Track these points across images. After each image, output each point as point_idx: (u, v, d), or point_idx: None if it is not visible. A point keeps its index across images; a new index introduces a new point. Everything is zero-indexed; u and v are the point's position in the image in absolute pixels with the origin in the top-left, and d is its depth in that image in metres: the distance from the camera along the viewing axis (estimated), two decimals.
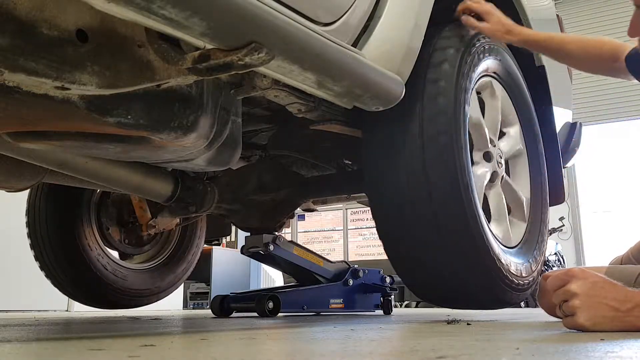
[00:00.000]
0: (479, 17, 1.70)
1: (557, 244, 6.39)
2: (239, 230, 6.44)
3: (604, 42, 1.75)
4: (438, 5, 1.54)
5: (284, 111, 1.52)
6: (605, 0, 7.83)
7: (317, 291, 2.44)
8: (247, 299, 2.37)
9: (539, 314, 2.13)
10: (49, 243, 2.34)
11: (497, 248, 1.62)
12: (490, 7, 1.71)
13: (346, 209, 9.00)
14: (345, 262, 2.72)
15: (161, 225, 2.35)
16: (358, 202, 2.80)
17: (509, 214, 1.86)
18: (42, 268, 2.41)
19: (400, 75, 1.41)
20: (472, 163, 1.67)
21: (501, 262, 1.61)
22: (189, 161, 1.36)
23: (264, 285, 7.61)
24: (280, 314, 2.21)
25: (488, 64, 1.78)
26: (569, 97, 2.58)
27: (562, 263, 6.27)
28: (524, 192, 1.94)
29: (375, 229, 1.67)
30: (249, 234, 2.33)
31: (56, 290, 2.49)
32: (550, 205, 2.08)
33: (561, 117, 2.39)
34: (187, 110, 1.16)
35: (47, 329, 1.57)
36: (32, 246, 2.38)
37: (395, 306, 5.51)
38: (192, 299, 6.60)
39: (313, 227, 9.38)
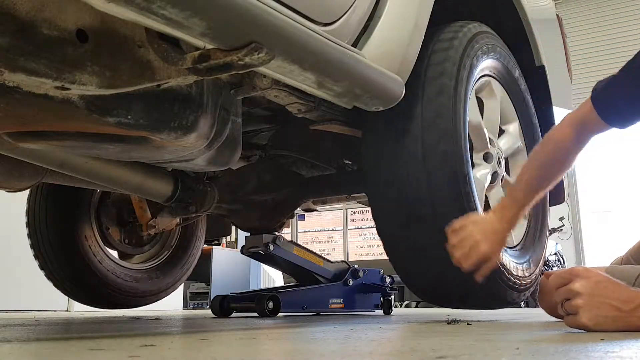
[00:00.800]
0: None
1: (557, 244, 6.39)
2: (239, 230, 6.44)
3: (566, 126, 1.41)
4: (438, 5, 1.55)
5: (284, 111, 1.52)
6: (605, 0, 7.83)
7: (317, 291, 2.44)
8: (247, 299, 2.37)
9: (539, 314, 2.13)
10: (49, 243, 2.33)
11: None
12: (476, 247, 1.37)
13: (346, 209, 9.00)
14: (345, 262, 2.72)
15: (161, 225, 2.35)
16: (358, 202, 2.80)
17: None
18: (42, 268, 2.40)
19: (400, 75, 1.41)
20: (473, 166, 1.67)
21: (501, 261, 1.61)
22: (189, 161, 1.36)
23: (264, 285, 7.61)
24: (280, 314, 2.21)
25: (487, 63, 1.78)
26: (569, 97, 2.58)
27: (562, 263, 6.27)
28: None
29: (375, 229, 1.67)
30: (249, 234, 2.33)
31: (56, 290, 2.49)
32: (550, 205, 2.08)
33: (561, 117, 2.38)
34: (187, 110, 1.16)
35: (47, 329, 1.57)
36: (32, 246, 2.38)
37: (395, 306, 5.52)
38: (192, 299, 6.61)
39: (313, 227, 9.39)
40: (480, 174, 1.70)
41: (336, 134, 1.72)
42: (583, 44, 6.93)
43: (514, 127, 1.95)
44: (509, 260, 1.68)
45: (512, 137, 1.94)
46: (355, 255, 8.85)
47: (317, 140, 2.03)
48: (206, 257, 6.45)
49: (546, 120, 2.18)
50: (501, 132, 1.92)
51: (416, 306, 6.00)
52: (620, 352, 0.74)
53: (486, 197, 1.77)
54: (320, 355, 0.76)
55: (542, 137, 2.06)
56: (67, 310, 4.28)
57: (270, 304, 2.15)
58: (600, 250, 7.21)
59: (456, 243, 1.39)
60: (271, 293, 2.21)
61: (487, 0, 2.00)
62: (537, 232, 1.94)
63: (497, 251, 1.41)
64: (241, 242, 2.65)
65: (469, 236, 1.39)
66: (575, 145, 1.38)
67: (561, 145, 1.39)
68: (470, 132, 1.66)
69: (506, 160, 1.91)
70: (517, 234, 1.87)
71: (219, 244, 7.11)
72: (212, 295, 4.74)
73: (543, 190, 1.47)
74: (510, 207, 1.43)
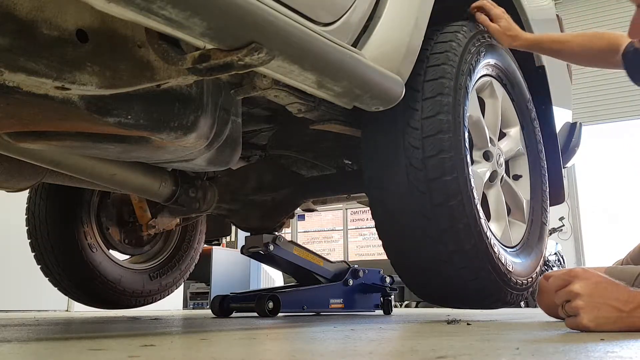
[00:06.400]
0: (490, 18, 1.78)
1: (557, 244, 6.39)
2: (239, 230, 6.45)
3: (602, 37, 1.78)
4: (438, 5, 1.55)
5: (284, 111, 1.52)
6: (605, 0, 7.84)
7: (317, 291, 2.43)
8: (247, 299, 2.36)
9: (539, 314, 2.13)
10: (49, 243, 2.33)
11: (497, 247, 1.62)
12: (501, 11, 1.78)
13: (346, 209, 9.01)
14: (345, 262, 2.71)
15: (161, 226, 2.35)
16: (358, 202, 2.80)
17: (508, 214, 1.86)
18: (42, 268, 2.41)
19: (400, 75, 1.41)
20: (472, 162, 1.67)
21: (501, 261, 1.61)
22: (189, 161, 1.36)
23: (264, 285, 7.60)
24: (280, 314, 2.21)
25: (488, 63, 1.78)
26: (569, 97, 2.58)
27: (562, 263, 6.27)
28: (524, 192, 1.94)
29: (375, 228, 1.67)
30: (249, 234, 2.33)
31: (56, 290, 2.49)
32: (550, 205, 2.08)
33: (561, 117, 2.39)
34: (187, 111, 1.17)
35: (47, 329, 1.57)
36: (32, 246, 2.38)
37: (395, 306, 5.51)
38: (192, 299, 6.60)
39: (313, 227, 9.39)
40: (479, 171, 1.71)
41: (336, 134, 1.72)
42: None
43: (514, 131, 1.96)
44: (509, 259, 1.68)
45: (512, 140, 1.94)
46: (355, 255, 8.85)
47: (317, 140, 2.03)
48: (206, 257, 6.44)
49: (546, 120, 2.18)
50: (502, 135, 1.92)
51: (416, 306, 6.00)
52: (620, 352, 0.74)
53: (485, 197, 1.77)
54: (320, 355, 0.76)
55: (542, 137, 2.07)
56: (67, 310, 4.28)
57: (270, 304, 2.15)
58: (600, 250, 7.21)
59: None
60: (271, 293, 2.21)
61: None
62: (536, 231, 1.94)
63: (504, 20, 1.77)
64: (241, 242, 2.65)
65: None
66: (608, 55, 1.72)
67: (603, 45, 1.73)
68: (470, 128, 1.66)
69: (506, 163, 1.91)
70: (516, 234, 1.87)
71: (219, 244, 7.11)
72: (212, 295, 4.74)
73: (545, 52, 1.90)
74: (528, 34, 1.83)
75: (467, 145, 1.57)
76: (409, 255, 1.62)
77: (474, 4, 1.78)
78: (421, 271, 1.63)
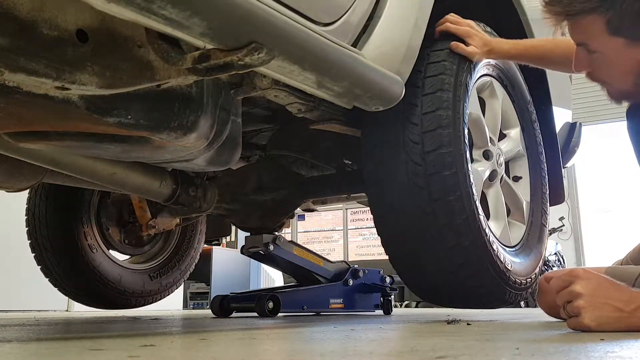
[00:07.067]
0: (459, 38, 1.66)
1: (557, 244, 6.40)
2: (239, 230, 6.44)
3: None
4: (438, 5, 1.55)
5: (284, 111, 1.52)
6: None
7: (317, 291, 2.43)
8: (247, 299, 2.36)
9: (539, 314, 2.13)
10: (49, 243, 2.33)
11: (496, 245, 1.62)
12: (468, 26, 1.66)
13: (346, 209, 9.01)
14: (345, 262, 2.71)
15: (161, 226, 2.35)
16: (358, 202, 2.80)
17: (508, 215, 1.86)
18: (42, 268, 2.41)
19: (400, 75, 1.41)
20: (472, 160, 1.68)
21: (500, 259, 1.61)
22: (189, 161, 1.36)
23: (264, 285, 7.61)
24: (280, 314, 2.21)
25: (488, 62, 1.78)
26: (569, 97, 2.58)
27: (562, 263, 6.28)
28: (523, 193, 1.94)
29: (375, 228, 1.67)
30: (249, 234, 2.33)
31: (56, 290, 2.49)
32: (550, 205, 2.08)
33: (561, 117, 2.39)
34: (187, 111, 1.17)
35: (47, 329, 1.57)
36: (32, 247, 2.38)
37: (395, 306, 5.51)
38: (192, 299, 6.61)
39: (313, 227, 9.40)
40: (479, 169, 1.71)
41: (336, 134, 1.72)
42: None
43: (514, 132, 1.95)
44: (509, 259, 1.68)
45: (512, 140, 1.94)
46: (355, 255, 8.86)
47: (317, 140, 2.03)
48: (206, 257, 6.45)
49: (546, 120, 2.18)
50: (502, 136, 1.92)
51: (416, 306, 6.00)
52: (620, 352, 0.74)
53: (485, 196, 1.77)
54: (320, 355, 0.76)
55: (542, 137, 2.07)
56: (67, 310, 4.28)
57: (270, 304, 2.15)
58: (600, 250, 7.22)
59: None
60: (271, 293, 2.21)
61: (487, 0, 2.00)
62: (536, 231, 1.94)
63: (475, 36, 1.65)
64: (241, 242, 2.65)
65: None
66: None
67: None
68: (470, 126, 1.66)
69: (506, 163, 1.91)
70: (516, 234, 1.87)
71: (219, 244, 7.11)
72: (212, 295, 4.74)
73: (524, 60, 1.82)
74: (505, 42, 1.74)
75: (466, 141, 1.57)
76: (407, 251, 1.62)
77: (438, 28, 1.65)
78: (419, 266, 1.63)
